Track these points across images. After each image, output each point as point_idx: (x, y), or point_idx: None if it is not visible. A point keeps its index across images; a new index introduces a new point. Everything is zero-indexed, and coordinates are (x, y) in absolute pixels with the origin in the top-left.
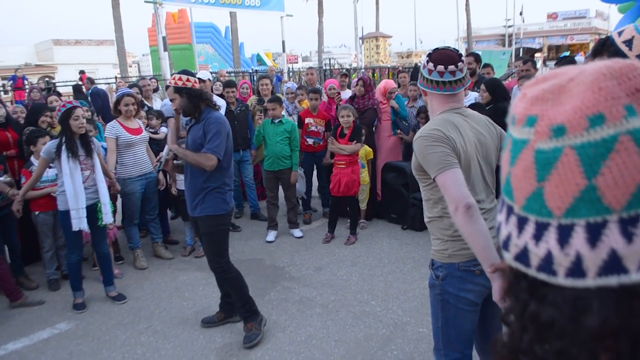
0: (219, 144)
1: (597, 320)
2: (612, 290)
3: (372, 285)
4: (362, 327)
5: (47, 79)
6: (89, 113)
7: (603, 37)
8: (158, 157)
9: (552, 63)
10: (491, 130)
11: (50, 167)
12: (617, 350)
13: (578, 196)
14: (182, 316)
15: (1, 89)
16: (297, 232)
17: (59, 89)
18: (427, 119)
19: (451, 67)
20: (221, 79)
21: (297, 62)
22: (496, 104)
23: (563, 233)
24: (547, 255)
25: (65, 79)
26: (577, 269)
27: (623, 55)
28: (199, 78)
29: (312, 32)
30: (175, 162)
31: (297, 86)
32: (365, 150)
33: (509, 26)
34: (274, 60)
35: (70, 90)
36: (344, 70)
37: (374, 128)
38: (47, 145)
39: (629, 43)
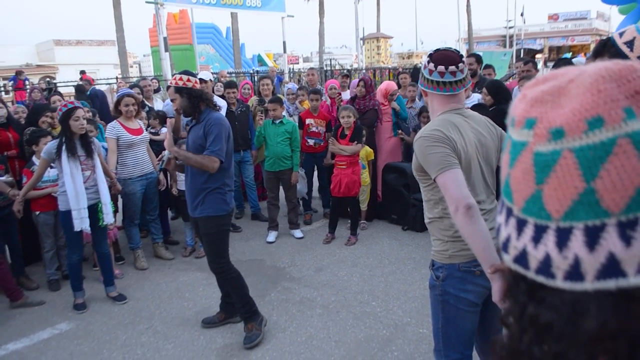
0: (222, 147)
1: (595, 323)
2: (610, 294)
3: (373, 286)
4: (363, 328)
5: (48, 79)
6: (90, 113)
7: (604, 38)
8: (160, 157)
9: (552, 64)
10: (492, 131)
11: (51, 167)
12: (615, 353)
13: (577, 199)
14: (183, 316)
15: (2, 89)
16: (297, 233)
17: (60, 90)
18: (429, 119)
19: (452, 68)
20: (222, 79)
21: (298, 63)
22: (499, 105)
23: (561, 236)
24: (546, 258)
25: (66, 79)
26: (575, 272)
27: (624, 56)
28: (200, 79)
29: (313, 32)
30: (177, 161)
31: (297, 87)
32: (366, 151)
33: (510, 27)
34: (274, 60)
35: (71, 90)
36: (345, 71)
37: (374, 129)
38: (47, 146)
39: (630, 44)
